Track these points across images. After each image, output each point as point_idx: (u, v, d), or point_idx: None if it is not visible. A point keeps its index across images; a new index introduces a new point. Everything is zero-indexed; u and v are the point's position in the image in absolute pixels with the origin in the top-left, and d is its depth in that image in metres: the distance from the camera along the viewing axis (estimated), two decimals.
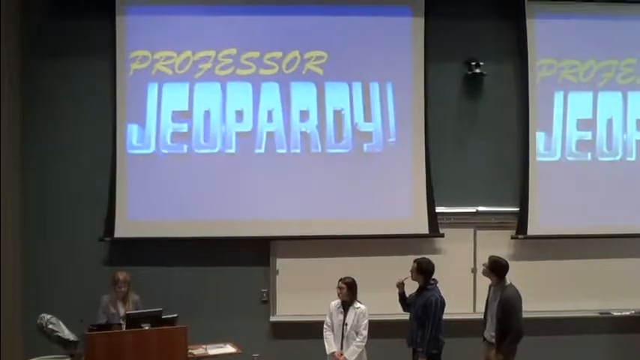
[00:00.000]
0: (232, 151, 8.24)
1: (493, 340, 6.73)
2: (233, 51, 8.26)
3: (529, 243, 8.41)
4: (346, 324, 6.90)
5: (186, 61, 8.22)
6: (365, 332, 6.88)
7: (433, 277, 6.86)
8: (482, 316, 7.01)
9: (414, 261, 6.91)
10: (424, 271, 6.82)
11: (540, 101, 8.41)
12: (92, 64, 8.24)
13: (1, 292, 7.68)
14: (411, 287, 6.98)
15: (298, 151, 8.29)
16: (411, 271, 6.88)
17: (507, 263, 6.81)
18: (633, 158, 8.55)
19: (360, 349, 6.87)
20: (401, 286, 7.00)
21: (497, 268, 6.76)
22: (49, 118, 8.24)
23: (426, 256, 7.08)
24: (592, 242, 8.47)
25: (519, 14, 8.42)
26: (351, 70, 8.33)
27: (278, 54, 8.29)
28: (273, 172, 8.23)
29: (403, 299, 7.04)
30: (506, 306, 6.60)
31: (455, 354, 7.44)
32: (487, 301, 6.97)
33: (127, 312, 6.92)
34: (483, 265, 6.88)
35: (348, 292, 6.92)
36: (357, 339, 6.86)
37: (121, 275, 7.30)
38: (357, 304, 6.95)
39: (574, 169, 8.46)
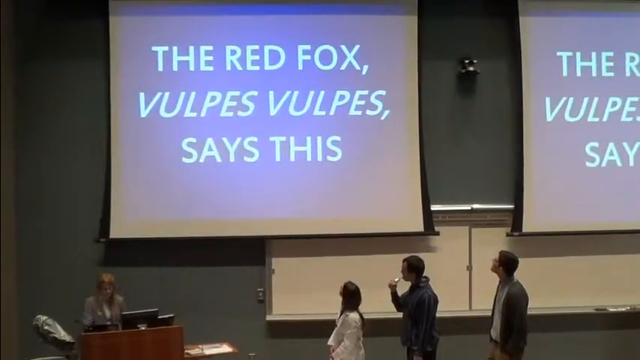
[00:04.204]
0: (227, 150, 8.23)
1: (499, 339, 6.65)
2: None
3: (524, 240, 8.40)
4: (336, 325, 6.89)
5: (181, 62, 8.21)
6: (347, 342, 6.69)
7: (424, 274, 6.85)
8: (490, 314, 6.91)
9: (404, 260, 6.89)
10: (414, 268, 6.81)
11: (534, 98, 8.41)
12: (87, 65, 8.23)
13: None
14: (404, 287, 6.96)
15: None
16: (402, 270, 6.87)
17: (517, 259, 6.75)
18: (628, 154, 8.53)
19: (342, 355, 6.71)
20: (393, 286, 6.95)
21: (507, 263, 6.68)
22: (45, 118, 8.24)
23: (421, 254, 7.10)
24: (587, 239, 8.49)
25: (513, 11, 8.41)
26: None
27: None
28: (268, 171, 8.22)
29: (396, 299, 7.00)
30: (510, 303, 6.54)
31: (450, 351, 7.48)
32: (495, 299, 6.88)
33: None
34: (493, 259, 6.79)
35: (343, 298, 6.85)
36: (341, 345, 6.73)
37: (106, 277, 7.28)
38: (348, 312, 6.78)
39: (569, 166, 8.45)
